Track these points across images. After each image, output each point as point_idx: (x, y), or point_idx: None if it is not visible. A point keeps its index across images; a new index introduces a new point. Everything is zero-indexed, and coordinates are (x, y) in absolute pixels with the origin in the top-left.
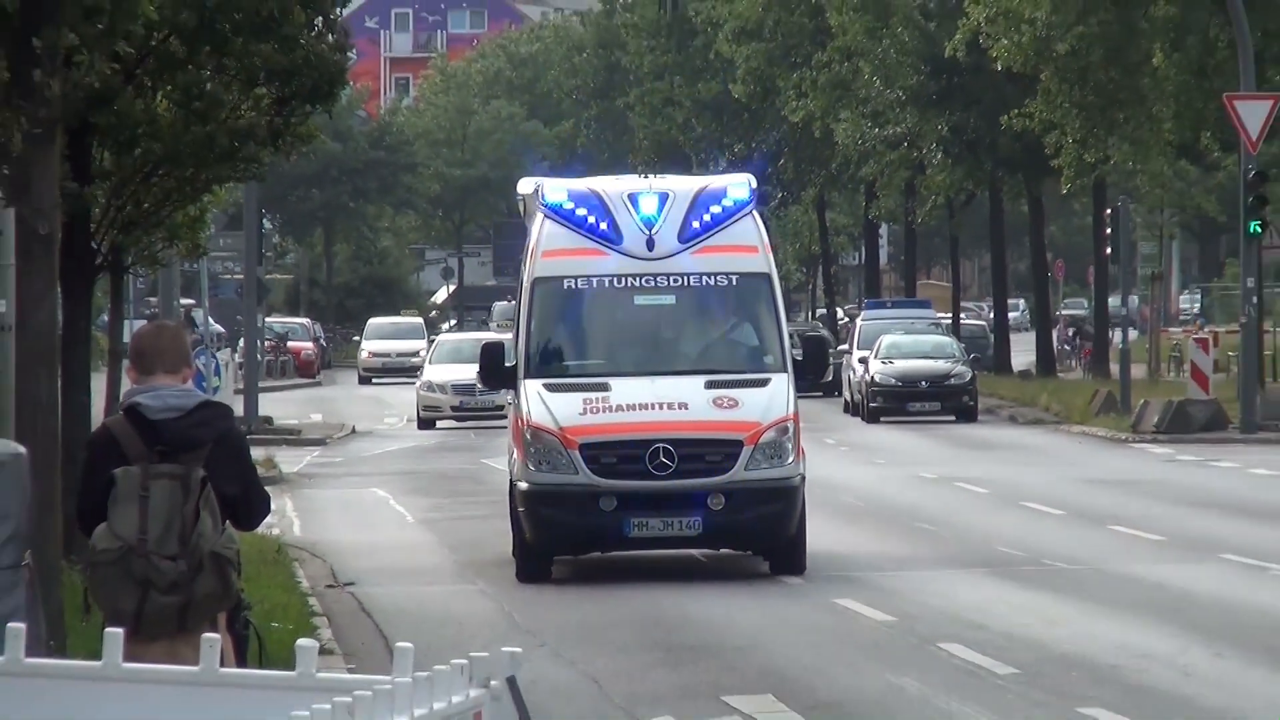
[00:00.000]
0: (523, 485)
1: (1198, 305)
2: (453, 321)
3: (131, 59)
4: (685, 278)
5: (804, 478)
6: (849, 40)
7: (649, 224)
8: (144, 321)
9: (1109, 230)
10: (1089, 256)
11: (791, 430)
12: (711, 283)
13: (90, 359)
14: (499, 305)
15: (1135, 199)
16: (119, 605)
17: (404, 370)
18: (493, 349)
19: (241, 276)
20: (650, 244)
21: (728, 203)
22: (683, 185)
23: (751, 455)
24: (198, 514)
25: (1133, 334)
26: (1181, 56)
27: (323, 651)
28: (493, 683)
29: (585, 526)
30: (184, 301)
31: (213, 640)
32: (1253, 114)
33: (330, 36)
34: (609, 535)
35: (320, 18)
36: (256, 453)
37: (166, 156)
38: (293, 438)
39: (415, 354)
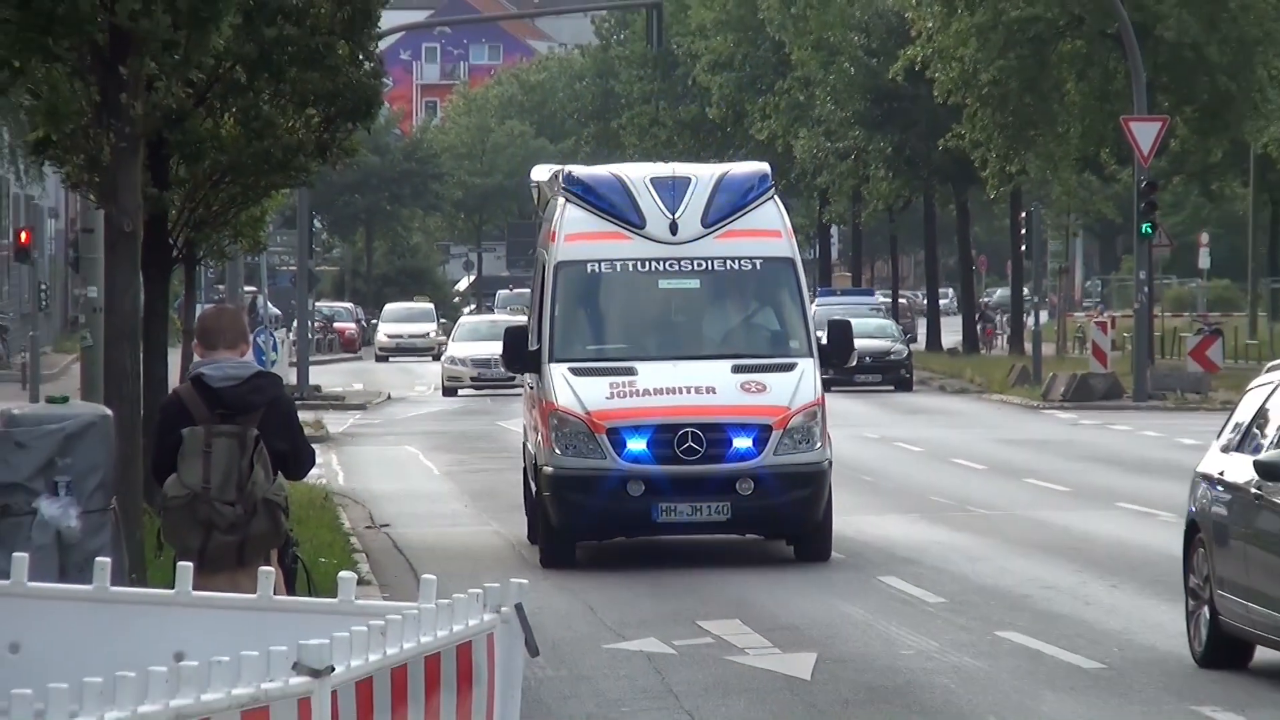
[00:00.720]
0: (549, 470)
1: (1098, 293)
2: (472, 306)
3: (202, 85)
4: (709, 262)
5: (831, 463)
6: (806, 71)
7: (672, 208)
8: (212, 305)
9: (1024, 231)
10: (1008, 252)
11: (819, 415)
12: (735, 267)
13: (167, 337)
14: (501, 293)
15: (1046, 205)
16: (186, 543)
17: (415, 350)
18: (515, 333)
19: (295, 268)
20: (674, 228)
21: (748, 188)
22: (704, 171)
23: (780, 439)
24: (252, 466)
25: (1044, 317)
26: (1086, 85)
27: (361, 583)
28: (503, 609)
29: (612, 511)
30: (247, 289)
31: (268, 573)
32: (1145, 134)
33: (368, 66)
34: (636, 520)
35: (360, 51)
36: (306, 416)
37: (231, 167)
38: (338, 403)
39: (425, 335)
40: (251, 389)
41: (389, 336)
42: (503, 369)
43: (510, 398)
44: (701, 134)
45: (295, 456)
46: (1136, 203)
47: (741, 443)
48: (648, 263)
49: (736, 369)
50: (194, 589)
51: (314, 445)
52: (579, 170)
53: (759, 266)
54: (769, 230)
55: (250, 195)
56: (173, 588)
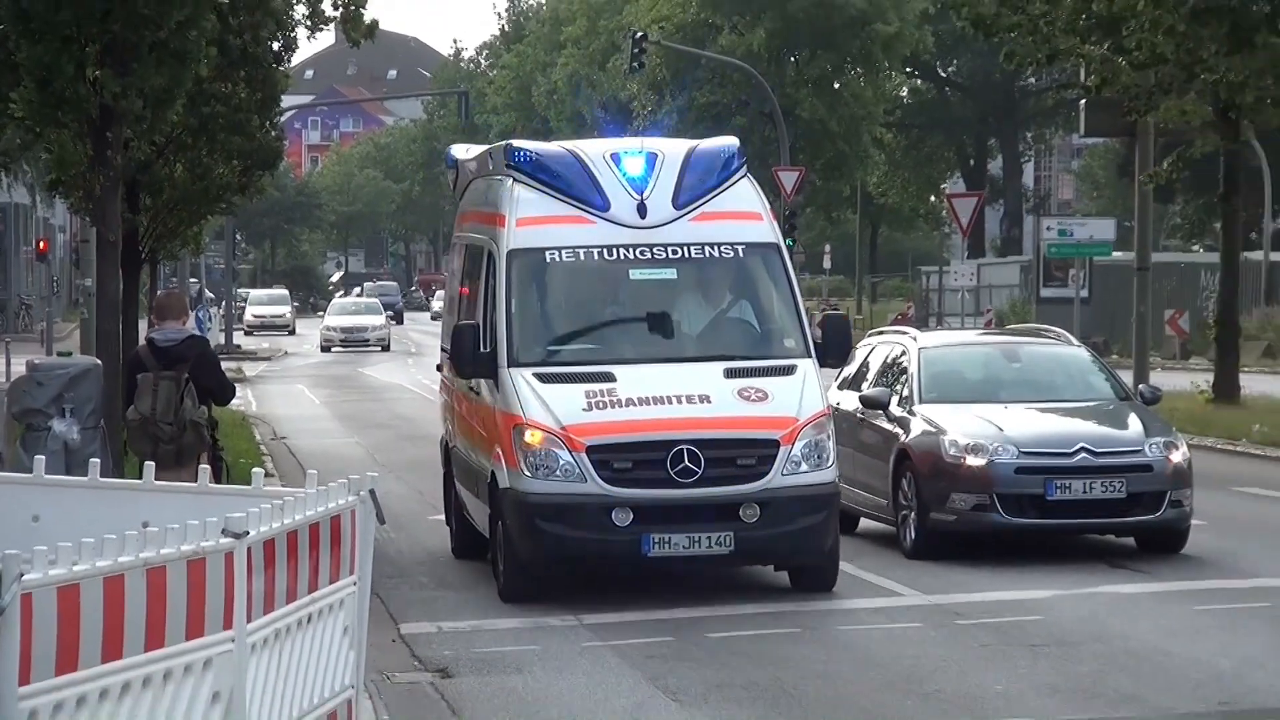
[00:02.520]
0: (515, 495)
1: None
2: (341, 292)
3: (161, 144)
4: (685, 248)
5: (839, 482)
6: (564, 137)
7: (639, 187)
8: (163, 290)
9: None
10: None
11: (829, 427)
12: (715, 254)
13: (137, 312)
14: (368, 284)
15: None
16: (141, 451)
17: (274, 326)
18: (466, 333)
19: (223, 266)
20: (642, 210)
21: (721, 164)
22: (670, 146)
23: (789, 457)
24: (183, 400)
25: None
26: (749, 148)
27: (267, 476)
28: (361, 493)
29: (595, 544)
30: (192, 280)
31: (205, 469)
32: (788, 179)
33: (272, 132)
34: (624, 554)
35: (267, 122)
36: (230, 365)
37: (181, 199)
38: (252, 357)
39: (282, 315)
40: (185, 347)
41: (255, 316)
42: (366, 336)
43: (368, 353)
44: None
45: (219, 391)
46: (783, 225)
47: (745, 462)
48: (615, 250)
49: (730, 373)
50: (155, 480)
51: (236, 383)
52: (527, 144)
53: (741, 253)
54: (748, 212)
55: (194, 218)
56: (140, 479)
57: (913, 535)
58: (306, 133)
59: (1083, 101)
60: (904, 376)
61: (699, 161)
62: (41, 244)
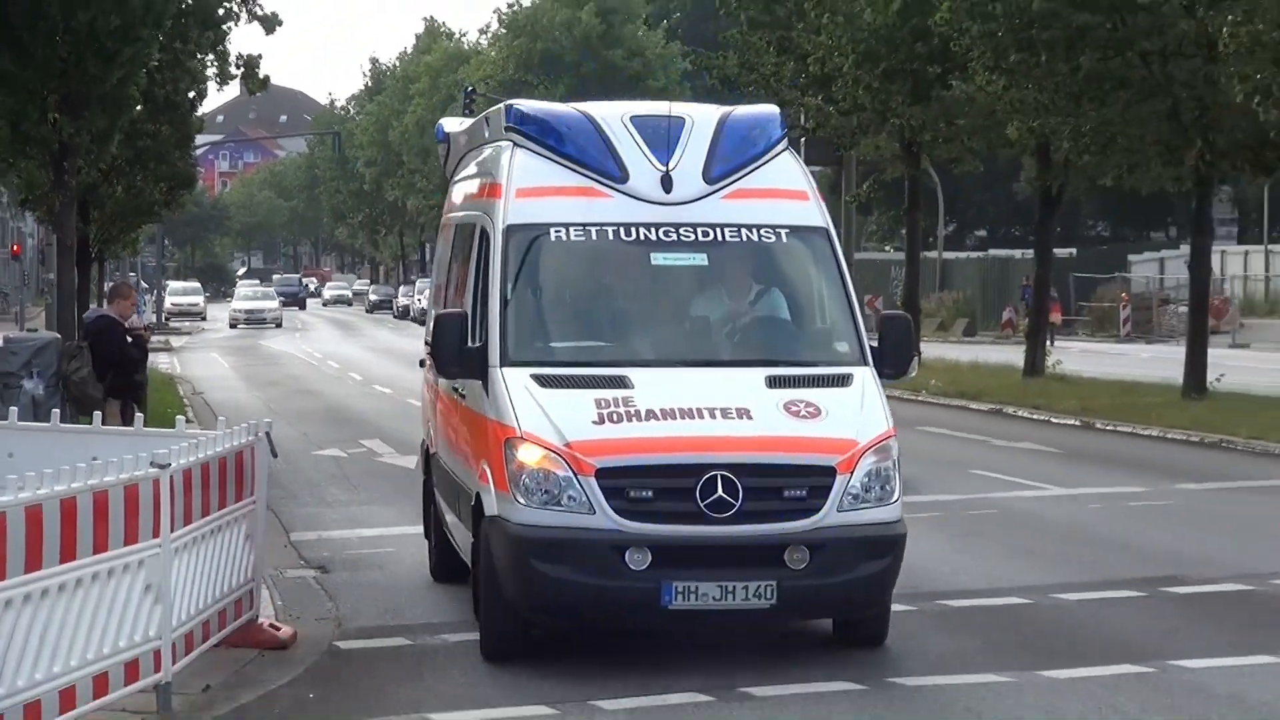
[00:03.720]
0: (505, 527)
1: None
2: (246, 282)
3: (105, 170)
4: (719, 230)
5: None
6: (412, 165)
7: (664, 158)
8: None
9: None
10: None
11: (894, 452)
12: (754, 238)
13: (89, 299)
14: (275, 277)
15: None
16: (82, 403)
17: (189, 314)
18: (450, 324)
19: (155, 263)
20: (667, 183)
21: (760, 134)
22: (701, 111)
23: (847, 489)
24: (72, 362)
25: None
26: None
27: (188, 421)
28: (259, 433)
29: (604, 592)
30: (131, 274)
31: (140, 416)
32: None
33: (190, 162)
34: (639, 605)
35: (186, 154)
36: (160, 338)
37: (120, 213)
38: (178, 332)
39: (196, 304)
40: (91, 324)
41: (173, 305)
42: (264, 316)
43: (264, 330)
44: (360, 198)
45: (119, 361)
46: None
47: (794, 493)
48: (634, 229)
49: (773, 382)
50: (102, 424)
51: (166, 353)
52: (531, 103)
53: (785, 238)
54: (793, 190)
55: (131, 227)
56: (90, 425)
57: None
58: (218, 162)
59: (803, 139)
60: None
61: (736, 128)
62: (15, 247)
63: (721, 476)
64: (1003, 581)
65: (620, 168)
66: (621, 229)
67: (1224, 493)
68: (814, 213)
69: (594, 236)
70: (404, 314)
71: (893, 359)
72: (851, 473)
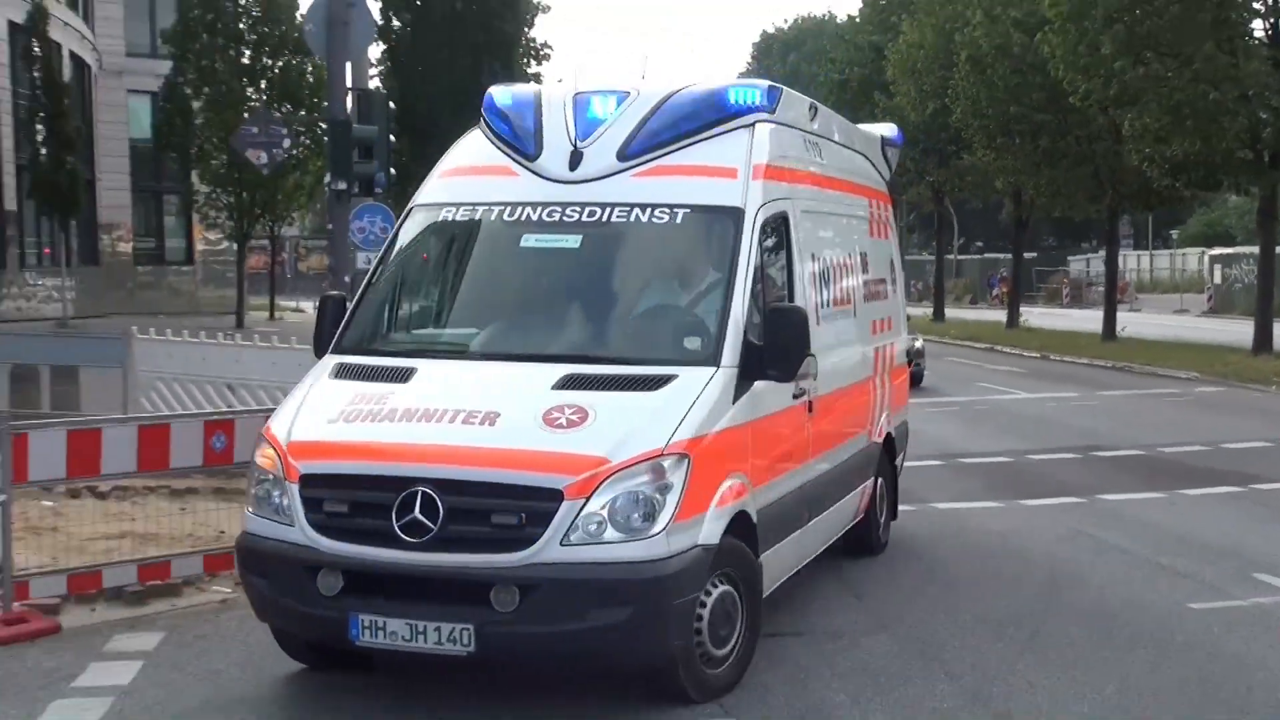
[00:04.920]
0: (240, 533)
1: None
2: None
3: None
4: (606, 210)
5: (710, 551)
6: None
7: (586, 133)
8: None
9: None
10: None
11: (673, 472)
12: (643, 218)
13: None
14: None
15: None
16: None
17: None
18: (325, 305)
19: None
20: (575, 159)
21: (706, 109)
22: (661, 87)
23: (579, 515)
24: None
25: None
26: None
27: None
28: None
29: (299, 616)
30: None
31: None
32: None
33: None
34: (331, 635)
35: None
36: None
37: None
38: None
39: None
40: None
41: None
42: None
43: None
44: None
45: None
46: None
47: (504, 519)
48: (520, 209)
49: (565, 382)
50: None
51: None
52: (503, 89)
53: (680, 219)
54: (719, 167)
55: None
56: None
57: None
58: None
59: None
60: None
61: (680, 103)
62: None
63: (422, 494)
64: (995, 448)
65: (537, 145)
66: (507, 209)
67: (1129, 398)
68: (733, 191)
69: (477, 215)
70: None
71: (776, 357)
72: (588, 498)
